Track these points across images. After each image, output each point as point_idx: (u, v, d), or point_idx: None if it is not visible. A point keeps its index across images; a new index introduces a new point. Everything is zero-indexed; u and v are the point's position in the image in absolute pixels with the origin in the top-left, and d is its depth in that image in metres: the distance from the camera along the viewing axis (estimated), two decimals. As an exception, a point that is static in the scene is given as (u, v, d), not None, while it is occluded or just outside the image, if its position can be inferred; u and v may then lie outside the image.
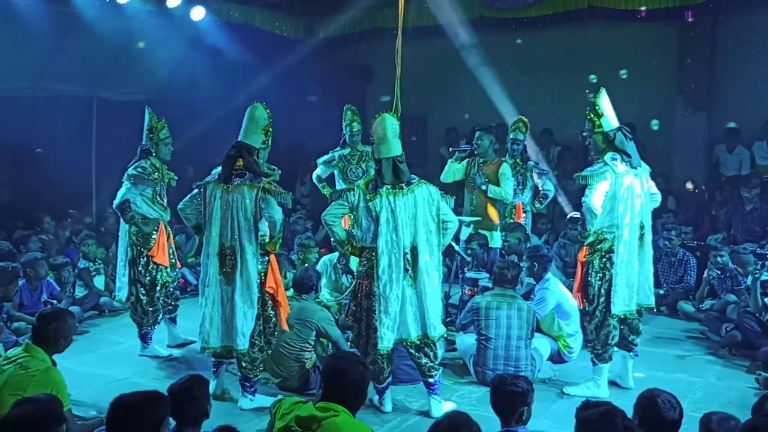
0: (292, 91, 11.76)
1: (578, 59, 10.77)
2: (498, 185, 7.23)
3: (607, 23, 10.34)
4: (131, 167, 6.33)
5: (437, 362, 5.23)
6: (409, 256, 5.00)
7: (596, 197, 5.26)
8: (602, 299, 5.42)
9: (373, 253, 5.00)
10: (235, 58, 11.47)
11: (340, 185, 7.93)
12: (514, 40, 10.95)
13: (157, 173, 6.33)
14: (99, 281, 8.23)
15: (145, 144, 6.37)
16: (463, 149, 7.49)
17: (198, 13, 9.87)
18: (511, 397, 3.51)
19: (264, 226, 5.16)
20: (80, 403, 4.94)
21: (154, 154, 6.35)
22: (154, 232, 6.36)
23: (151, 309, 6.46)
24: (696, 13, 9.81)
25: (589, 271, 5.44)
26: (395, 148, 5.04)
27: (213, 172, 5.32)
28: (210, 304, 5.20)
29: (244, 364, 5.24)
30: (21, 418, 2.95)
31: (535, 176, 7.85)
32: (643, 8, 9.63)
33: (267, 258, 5.23)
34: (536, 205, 8.01)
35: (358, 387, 3.27)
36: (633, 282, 5.42)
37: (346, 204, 5.11)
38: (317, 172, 8.04)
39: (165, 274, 6.42)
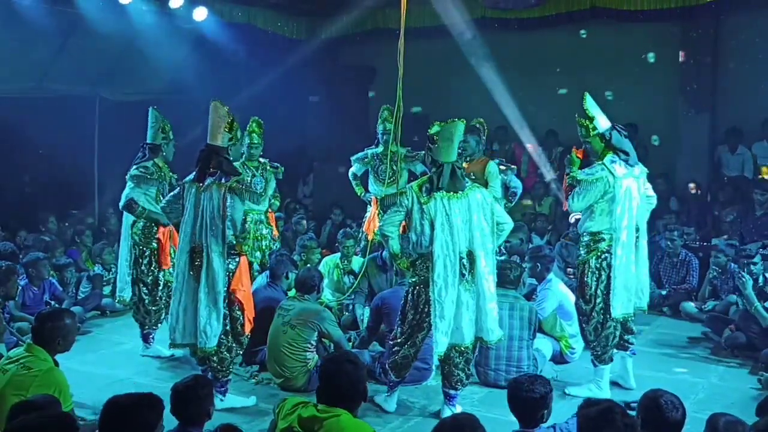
0: (294, 92, 11.77)
1: (581, 60, 10.77)
2: (485, 184, 7.24)
3: (610, 24, 10.32)
4: (134, 167, 6.36)
5: (465, 377, 5.17)
6: (465, 261, 4.95)
7: (581, 203, 5.33)
8: (599, 300, 5.41)
9: (429, 259, 4.95)
10: (238, 58, 11.47)
11: (372, 185, 7.91)
12: (516, 41, 10.94)
13: (159, 173, 6.38)
14: (107, 290, 8.24)
15: (158, 142, 6.40)
16: None
17: (200, 13, 9.87)
18: (528, 403, 3.48)
19: (230, 226, 5.19)
20: (82, 403, 4.94)
21: (163, 153, 6.41)
22: (155, 232, 6.39)
23: (153, 308, 6.48)
24: (698, 13, 9.79)
25: (586, 271, 5.43)
26: (455, 152, 5.07)
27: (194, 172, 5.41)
28: (177, 302, 5.24)
29: (213, 364, 5.24)
30: (36, 424, 2.89)
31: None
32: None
33: (238, 259, 5.27)
34: (507, 205, 8.02)
35: (350, 387, 3.25)
36: (631, 285, 5.40)
37: (401, 209, 5.04)
38: (353, 169, 8.02)
39: (167, 273, 6.44)
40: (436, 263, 4.89)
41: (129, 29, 9.45)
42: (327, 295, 7.10)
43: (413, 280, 5.10)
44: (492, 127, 8.73)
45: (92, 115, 10.50)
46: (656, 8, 9.60)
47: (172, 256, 6.53)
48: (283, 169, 7.57)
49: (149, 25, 9.61)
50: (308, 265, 7.17)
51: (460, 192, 4.99)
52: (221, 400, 5.23)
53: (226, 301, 5.20)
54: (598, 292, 5.40)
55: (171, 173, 6.49)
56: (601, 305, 5.41)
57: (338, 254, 7.75)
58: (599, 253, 5.37)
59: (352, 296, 7.15)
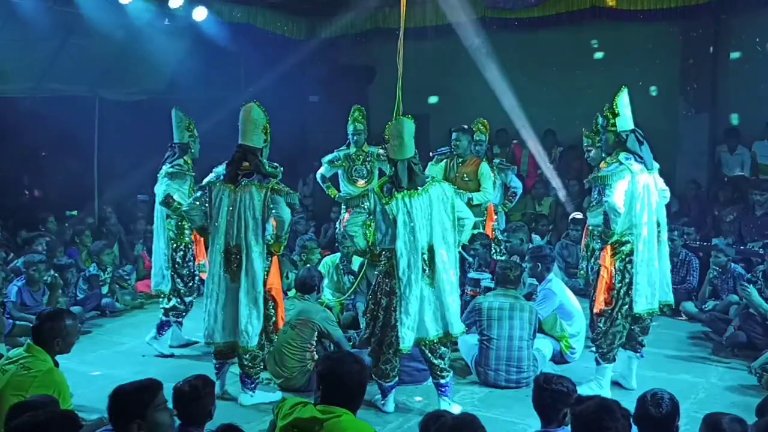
0: (294, 92, 11.78)
1: (580, 59, 10.77)
2: (478, 184, 7.25)
3: (610, 23, 10.32)
4: (168, 165, 6.52)
5: (448, 364, 5.22)
6: (426, 256, 5.02)
7: (617, 196, 5.23)
8: (620, 302, 5.40)
9: (392, 254, 5.03)
10: (237, 58, 11.47)
11: (344, 185, 7.94)
12: (516, 41, 10.94)
13: (191, 169, 6.54)
14: (104, 289, 8.25)
15: (185, 141, 6.55)
16: (442, 152, 7.55)
17: (200, 13, 9.87)
18: (556, 396, 3.46)
19: (271, 227, 5.22)
20: (82, 403, 4.94)
21: (192, 150, 6.57)
22: (188, 227, 6.48)
23: (189, 299, 6.62)
24: (698, 13, 9.79)
25: (614, 274, 5.41)
26: (410, 149, 5.09)
27: (215, 171, 5.41)
28: (215, 302, 5.30)
29: (245, 361, 5.34)
30: (37, 425, 2.90)
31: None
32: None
33: (270, 258, 5.32)
34: (507, 205, 8.02)
35: (356, 387, 3.24)
36: (654, 280, 5.42)
37: (363, 211, 5.19)
38: (321, 171, 8.06)
39: (202, 266, 6.56)
40: (400, 261, 4.98)
41: (128, 29, 9.45)
42: (327, 295, 7.10)
43: (378, 270, 5.22)
44: (492, 129, 8.73)
45: (92, 115, 10.49)
46: (656, 8, 9.60)
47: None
48: (282, 169, 7.57)
49: (149, 25, 9.60)
50: (308, 265, 7.16)
51: (420, 188, 5.05)
52: (251, 396, 5.40)
53: (264, 300, 5.28)
54: (621, 293, 5.39)
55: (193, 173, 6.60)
56: (619, 305, 5.40)
57: (338, 254, 7.74)
58: (623, 257, 5.37)
59: (353, 296, 7.15)
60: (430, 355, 5.13)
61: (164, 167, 6.55)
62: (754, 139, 9.97)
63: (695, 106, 10.33)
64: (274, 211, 5.18)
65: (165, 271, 6.62)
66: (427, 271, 5.04)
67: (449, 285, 5.11)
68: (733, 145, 9.99)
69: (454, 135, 7.41)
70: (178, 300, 6.60)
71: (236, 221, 5.19)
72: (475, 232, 7.38)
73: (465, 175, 7.31)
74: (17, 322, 6.61)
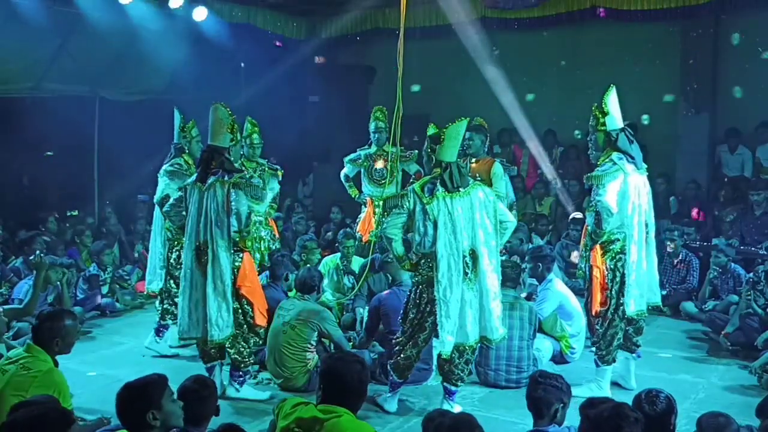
0: (294, 92, 11.76)
1: (581, 59, 10.76)
2: (490, 184, 7.21)
3: (610, 23, 10.32)
4: (166, 164, 6.56)
5: (466, 373, 5.20)
6: (468, 259, 4.94)
7: (610, 196, 5.23)
8: (613, 301, 5.41)
9: (433, 260, 4.92)
10: (237, 58, 11.46)
11: (366, 185, 7.91)
12: (516, 41, 10.94)
13: (190, 169, 6.52)
14: (103, 290, 8.25)
15: (179, 142, 6.62)
16: None
17: (200, 13, 9.87)
18: (549, 391, 3.49)
19: (235, 221, 5.27)
20: (82, 403, 4.94)
21: (187, 151, 6.59)
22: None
23: None
24: (698, 13, 9.78)
25: (606, 273, 5.41)
26: (455, 153, 5.06)
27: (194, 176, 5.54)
28: (187, 297, 5.37)
29: (233, 354, 5.40)
30: (31, 419, 2.92)
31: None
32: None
33: (242, 255, 5.38)
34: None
35: (357, 387, 3.25)
36: (643, 282, 5.43)
37: (403, 212, 5.01)
38: (345, 171, 8.05)
39: None
40: (440, 263, 4.88)
41: (129, 29, 9.45)
42: (327, 295, 7.10)
43: (416, 279, 5.12)
44: (493, 130, 8.71)
45: (92, 115, 10.49)
46: (656, 8, 9.60)
47: None
48: (282, 171, 7.58)
49: (149, 24, 9.60)
50: (308, 265, 7.15)
51: (462, 190, 4.98)
52: (237, 390, 5.43)
53: (236, 294, 5.32)
54: (613, 292, 5.40)
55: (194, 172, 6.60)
56: (614, 305, 5.41)
57: (338, 254, 7.74)
58: (614, 255, 5.37)
59: (352, 298, 7.14)
60: (458, 359, 5.04)
61: (164, 166, 6.59)
62: (755, 139, 9.96)
63: (695, 106, 10.32)
64: (232, 204, 5.22)
65: (159, 270, 6.64)
66: (470, 275, 4.94)
67: (492, 290, 5.02)
68: (734, 146, 9.99)
69: (467, 134, 7.35)
70: (170, 302, 6.53)
71: (203, 218, 5.28)
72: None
73: (477, 176, 7.26)
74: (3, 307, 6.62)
